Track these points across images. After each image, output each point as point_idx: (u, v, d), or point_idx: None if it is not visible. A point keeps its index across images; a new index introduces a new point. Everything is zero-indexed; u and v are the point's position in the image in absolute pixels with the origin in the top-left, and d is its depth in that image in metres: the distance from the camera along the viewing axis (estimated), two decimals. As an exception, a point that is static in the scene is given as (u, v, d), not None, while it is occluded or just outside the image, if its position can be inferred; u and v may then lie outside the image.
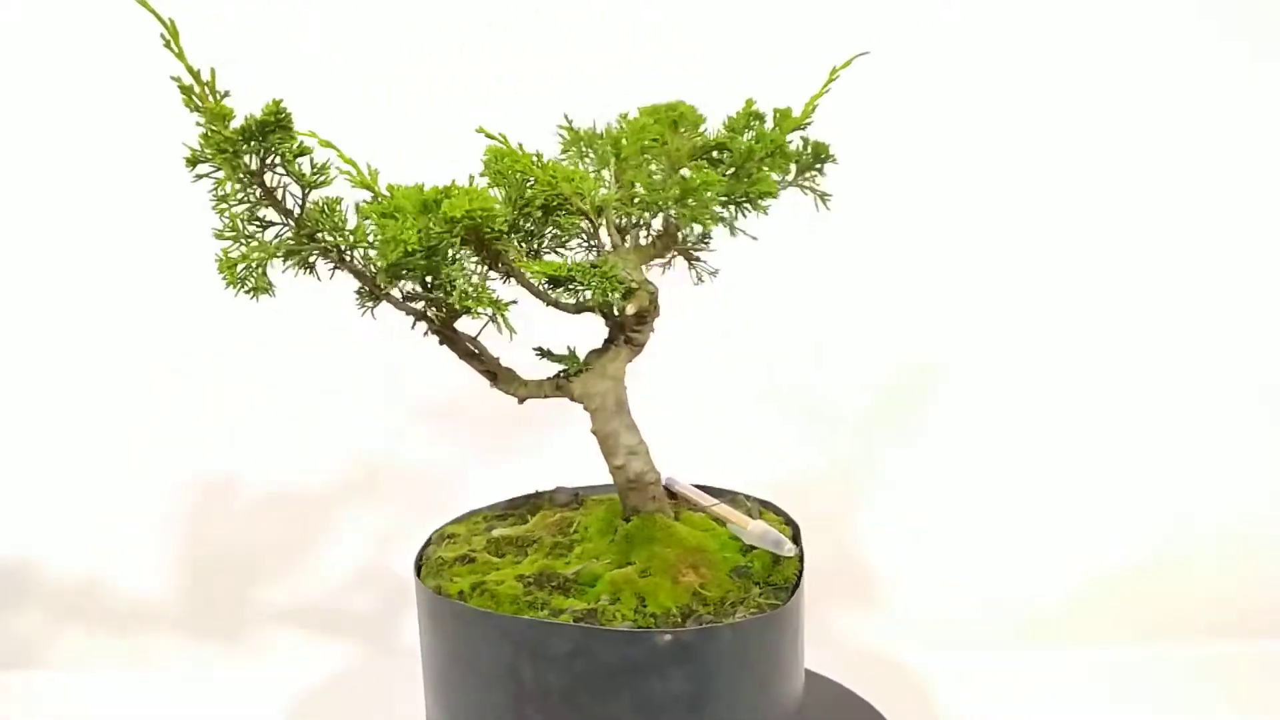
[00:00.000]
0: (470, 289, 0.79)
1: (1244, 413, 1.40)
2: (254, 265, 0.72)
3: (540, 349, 0.95)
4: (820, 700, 1.07)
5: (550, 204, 0.82)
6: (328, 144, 0.78)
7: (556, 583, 0.82)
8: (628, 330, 0.93)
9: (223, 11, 1.25)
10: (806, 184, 1.09)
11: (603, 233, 0.89)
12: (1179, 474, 1.39)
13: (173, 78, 0.65)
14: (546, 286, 0.85)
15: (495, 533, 0.96)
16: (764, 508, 1.00)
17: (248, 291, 0.72)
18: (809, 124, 1.02)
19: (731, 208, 1.03)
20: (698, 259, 1.12)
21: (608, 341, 0.94)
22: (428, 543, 0.94)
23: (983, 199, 1.43)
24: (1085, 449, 1.41)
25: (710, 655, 0.75)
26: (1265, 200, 1.39)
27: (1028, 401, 1.42)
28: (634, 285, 0.86)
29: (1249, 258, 1.40)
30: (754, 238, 1.12)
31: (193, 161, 0.68)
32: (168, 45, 0.64)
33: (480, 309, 0.79)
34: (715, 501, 0.96)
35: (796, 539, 0.91)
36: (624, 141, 0.90)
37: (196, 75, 0.65)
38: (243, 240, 0.72)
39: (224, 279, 0.71)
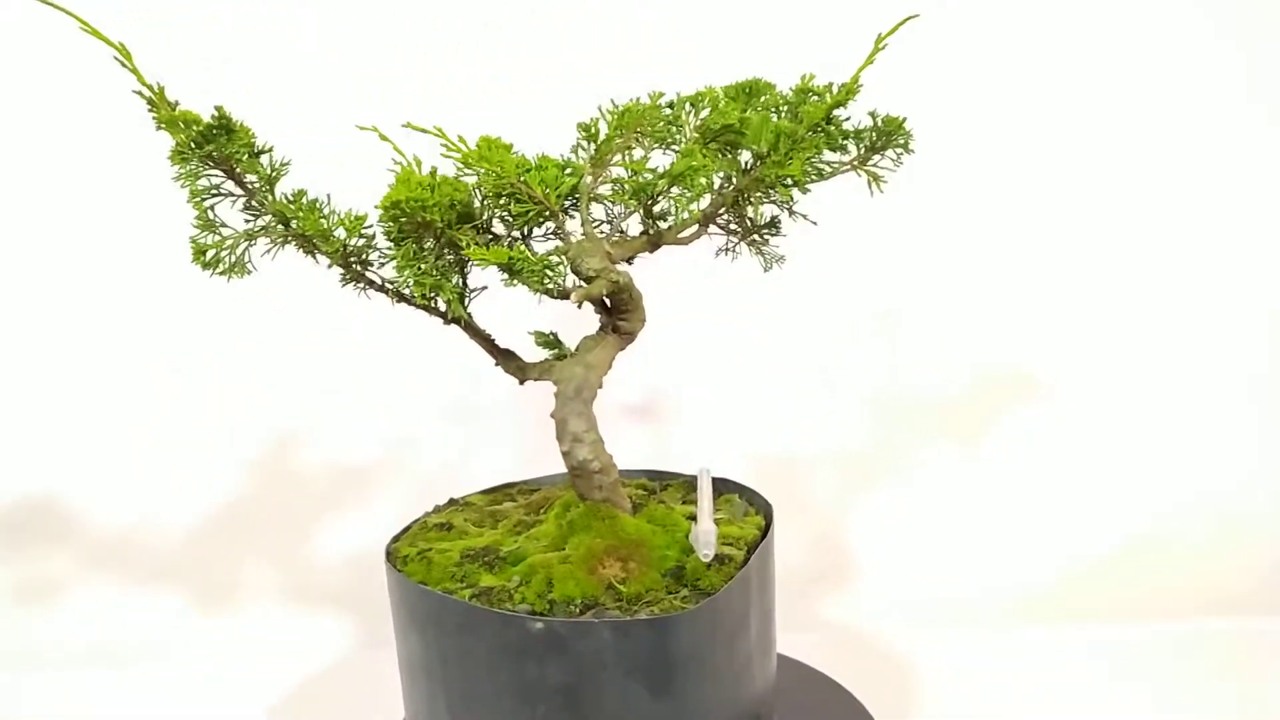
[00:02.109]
0: (415, 273, 0.84)
1: (1234, 398, 1.44)
2: (224, 251, 0.82)
3: (536, 333, 0.98)
4: (793, 686, 1.04)
5: (501, 192, 0.84)
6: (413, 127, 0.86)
7: (490, 559, 0.85)
8: (615, 319, 0.93)
9: (218, 12, 1.29)
10: (870, 167, 1.01)
11: (576, 221, 0.89)
12: (1171, 456, 1.43)
13: (134, 91, 0.76)
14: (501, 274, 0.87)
15: (504, 505, 1.01)
16: (750, 510, 0.95)
17: (222, 273, 0.83)
18: (851, 100, 0.94)
19: (761, 193, 0.98)
20: (764, 244, 1.08)
21: (600, 329, 0.94)
22: (436, 508, 1.00)
23: (989, 192, 1.44)
24: (1080, 431, 1.46)
25: (587, 650, 0.75)
26: (1258, 193, 1.42)
27: (1025, 385, 1.47)
28: (591, 274, 0.85)
29: (1239, 252, 1.43)
30: (814, 223, 1.06)
31: (175, 158, 0.80)
32: (123, 65, 0.75)
33: (422, 292, 0.84)
34: (708, 495, 0.93)
35: (760, 541, 0.86)
36: (602, 129, 0.89)
37: (150, 88, 0.76)
38: (213, 230, 0.82)
39: (197, 264, 0.82)
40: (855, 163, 0.99)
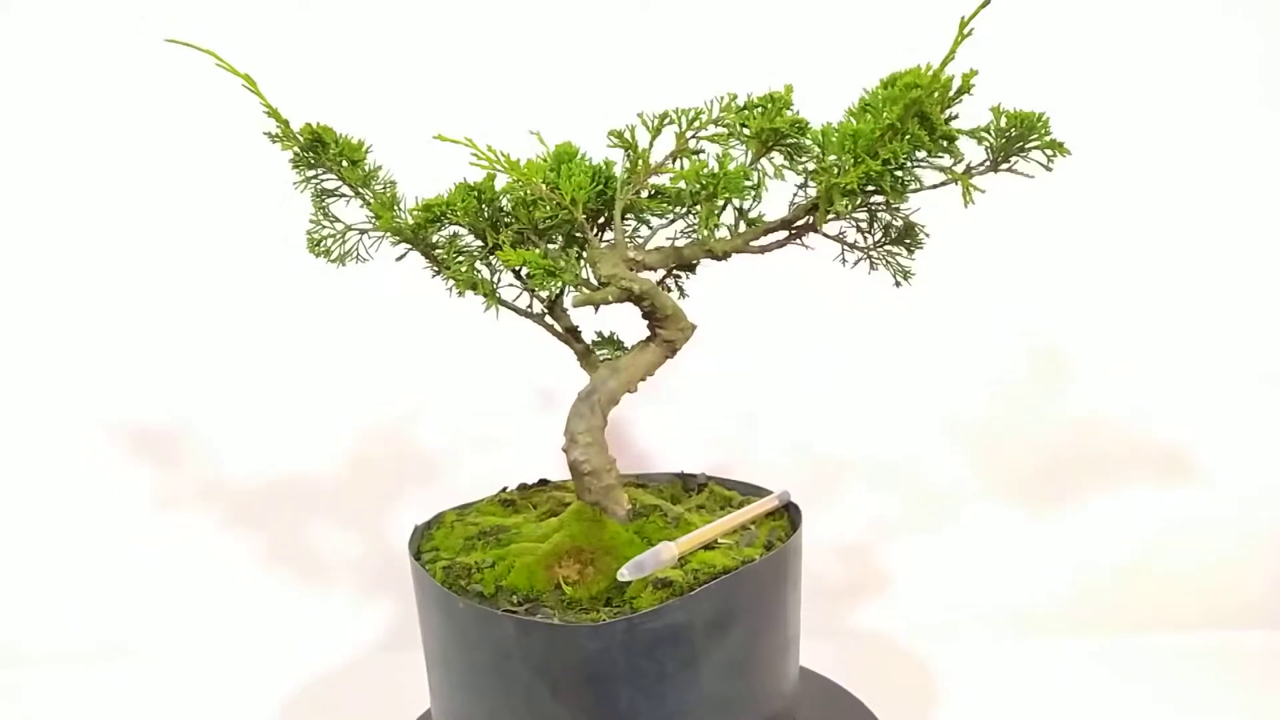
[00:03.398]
0: (456, 268, 0.92)
1: (1241, 407, 1.41)
2: (333, 243, 0.98)
3: (598, 333, 1.00)
4: (811, 698, 1.01)
5: (528, 199, 0.88)
6: (444, 138, 0.98)
7: (491, 537, 0.91)
8: (654, 327, 0.92)
9: (222, 13, 1.34)
10: (1003, 170, 0.88)
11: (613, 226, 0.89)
12: (1176, 467, 1.41)
13: (265, 114, 0.94)
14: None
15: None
16: (758, 539, 0.89)
17: (332, 261, 0.99)
18: (939, 97, 0.83)
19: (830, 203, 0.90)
20: (894, 255, 1.00)
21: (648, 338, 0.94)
22: (522, 485, 1.08)
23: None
24: (1085, 441, 1.43)
25: (493, 638, 0.79)
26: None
27: (1032, 395, 1.44)
28: (603, 280, 0.86)
29: (1248, 253, 1.40)
30: (927, 234, 0.96)
31: (294, 166, 0.97)
32: (250, 90, 0.93)
33: (460, 284, 0.91)
34: (732, 519, 0.89)
35: (731, 572, 0.81)
36: (641, 136, 0.88)
37: (273, 110, 0.93)
38: (327, 224, 0.98)
39: (311, 252, 0.99)
40: (951, 170, 0.86)
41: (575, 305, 0.85)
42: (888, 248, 1.00)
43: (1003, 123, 0.86)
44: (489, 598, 0.82)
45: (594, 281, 0.89)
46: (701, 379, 1.38)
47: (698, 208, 0.90)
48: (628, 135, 0.89)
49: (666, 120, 0.89)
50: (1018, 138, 0.87)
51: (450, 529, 0.95)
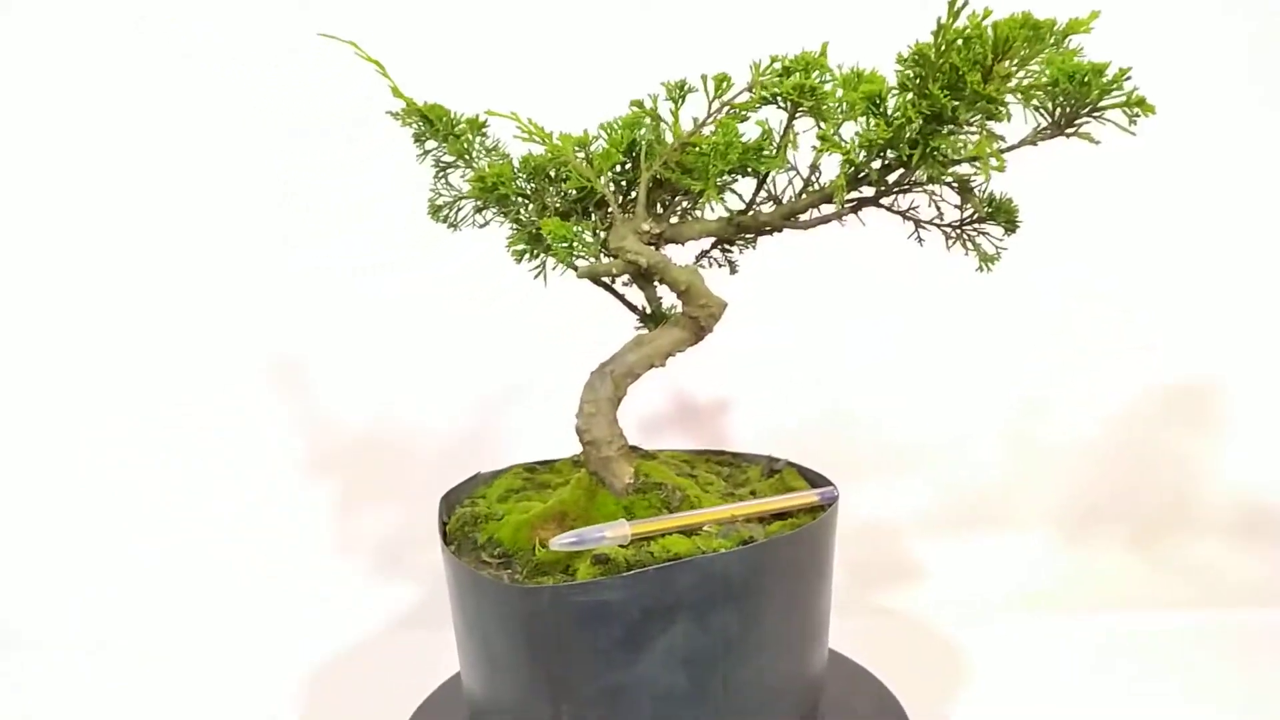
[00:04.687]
0: (517, 237, 0.96)
1: (1246, 385, 1.44)
2: (448, 210, 1.07)
3: (644, 308, 0.98)
4: (835, 679, 1.01)
5: (560, 172, 0.90)
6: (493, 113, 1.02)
7: (523, 494, 0.96)
8: (684, 305, 0.88)
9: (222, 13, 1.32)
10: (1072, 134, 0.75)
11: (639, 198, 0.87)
12: (1180, 447, 1.43)
13: (394, 94, 1.06)
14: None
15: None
16: (739, 532, 0.83)
17: (449, 226, 1.08)
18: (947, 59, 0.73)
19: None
20: (978, 236, 0.89)
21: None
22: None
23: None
24: (1092, 422, 1.46)
25: (460, 580, 0.84)
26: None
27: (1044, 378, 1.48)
28: (613, 253, 0.85)
29: (1246, 253, 1.44)
30: (984, 214, 0.84)
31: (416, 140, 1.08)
32: (383, 76, 1.05)
33: (517, 248, 0.95)
34: (741, 506, 0.86)
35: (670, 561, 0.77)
36: (664, 108, 0.85)
37: (400, 93, 1.04)
38: (442, 193, 1.08)
39: (431, 217, 1.09)
40: (987, 132, 0.73)
41: (579, 277, 0.86)
42: (977, 225, 0.87)
43: (1058, 81, 0.71)
44: (478, 546, 0.88)
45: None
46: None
47: (724, 178, 0.85)
48: (648, 103, 0.87)
49: (688, 89, 0.85)
50: (1083, 96, 0.71)
51: (501, 482, 1.01)
